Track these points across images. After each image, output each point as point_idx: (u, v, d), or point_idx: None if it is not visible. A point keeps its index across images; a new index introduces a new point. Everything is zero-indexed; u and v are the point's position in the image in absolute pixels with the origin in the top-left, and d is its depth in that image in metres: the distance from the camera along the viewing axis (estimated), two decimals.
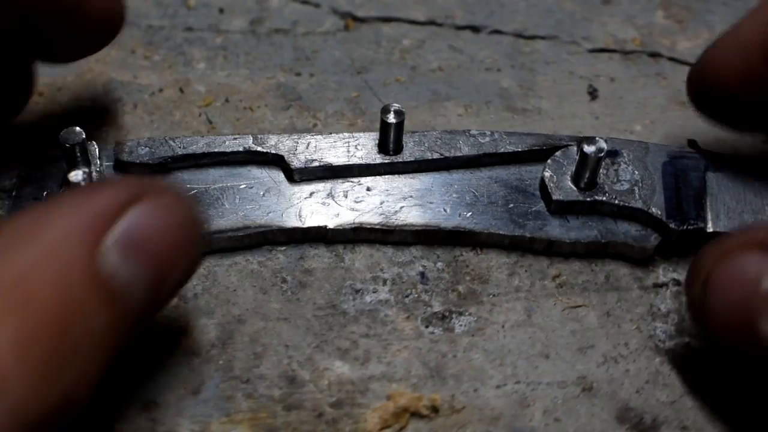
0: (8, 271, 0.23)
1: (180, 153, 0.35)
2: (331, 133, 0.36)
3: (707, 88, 0.34)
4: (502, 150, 0.36)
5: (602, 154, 0.33)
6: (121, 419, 0.30)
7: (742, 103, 0.33)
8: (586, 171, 0.34)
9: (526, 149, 0.36)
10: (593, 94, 0.42)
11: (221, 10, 0.45)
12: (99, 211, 0.25)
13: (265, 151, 0.35)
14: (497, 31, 0.45)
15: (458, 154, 0.36)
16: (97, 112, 0.39)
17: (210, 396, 0.30)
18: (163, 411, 0.30)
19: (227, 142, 0.35)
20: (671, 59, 0.43)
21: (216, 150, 0.35)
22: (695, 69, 0.35)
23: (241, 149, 0.35)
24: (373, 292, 0.34)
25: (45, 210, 0.25)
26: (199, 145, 0.35)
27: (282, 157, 0.35)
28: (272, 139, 0.36)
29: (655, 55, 0.43)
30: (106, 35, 0.34)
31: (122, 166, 0.35)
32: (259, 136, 0.36)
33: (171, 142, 0.35)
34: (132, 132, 0.39)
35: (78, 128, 0.33)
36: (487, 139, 0.36)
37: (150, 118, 0.39)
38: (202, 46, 0.43)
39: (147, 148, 0.35)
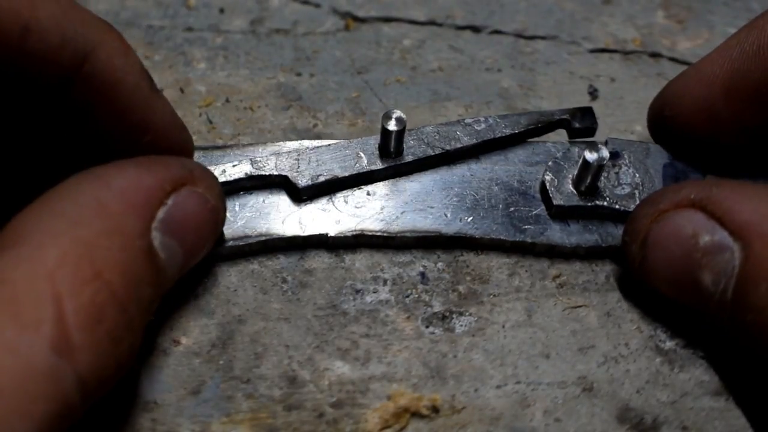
0: (77, 242, 0.24)
1: None
2: (329, 145, 0.35)
3: (666, 117, 0.35)
4: (499, 134, 0.36)
5: (604, 162, 0.33)
6: (121, 419, 0.30)
7: (698, 136, 0.34)
8: (588, 177, 0.34)
9: (522, 130, 0.36)
10: (593, 94, 0.42)
11: (221, 10, 0.45)
12: (152, 190, 0.27)
13: (267, 174, 0.34)
14: (498, 32, 0.45)
15: (458, 145, 0.36)
16: None
17: (210, 396, 0.30)
18: (163, 411, 0.30)
19: (227, 171, 0.34)
20: (672, 59, 0.43)
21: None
22: (657, 98, 0.36)
23: (243, 176, 0.34)
24: (374, 293, 0.34)
25: (105, 183, 0.26)
26: None
27: (286, 177, 0.34)
28: (271, 161, 0.35)
29: (655, 55, 0.43)
30: None
31: None
32: (258, 159, 0.35)
33: None
34: None
35: None
36: (483, 125, 0.36)
37: None
38: (202, 46, 0.43)
39: None
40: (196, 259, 0.30)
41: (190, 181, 0.29)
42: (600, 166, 0.33)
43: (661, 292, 0.31)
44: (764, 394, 0.30)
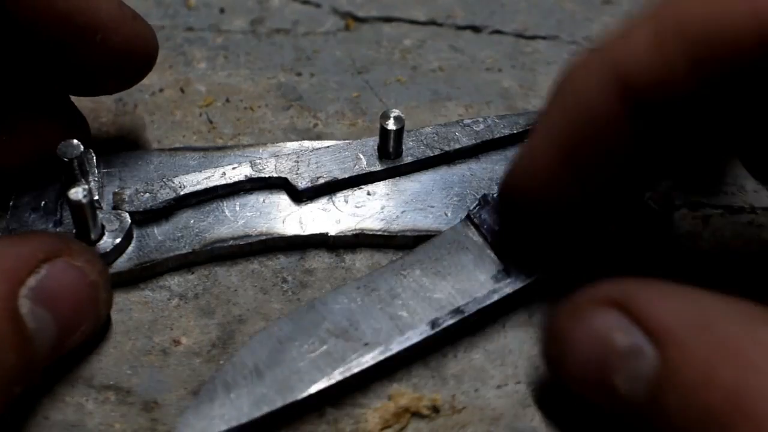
0: None
1: (182, 193, 0.34)
2: (329, 147, 0.36)
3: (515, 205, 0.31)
4: (498, 135, 0.36)
5: None
6: (121, 419, 0.30)
7: (549, 217, 0.30)
8: None
9: (521, 130, 0.36)
10: None
11: (222, 10, 0.45)
12: (22, 257, 0.27)
13: (266, 176, 0.35)
14: (498, 31, 0.45)
15: (458, 146, 0.36)
16: (98, 113, 0.39)
17: None
18: (163, 411, 0.30)
19: (227, 174, 0.34)
20: None
21: (217, 184, 0.34)
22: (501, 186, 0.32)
23: (243, 178, 0.34)
24: None
25: None
26: (200, 181, 0.34)
27: (286, 179, 0.35)
28: (271, 163, 0.35)
29: None
30: (131, 71, 0.33)
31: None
32: (258, 161, 0.35)
33: (171, 183, 0.34)
34: (132, 132, 0.39)
35: (76, 141, 0.32)
36: (481, 126, 0.36)
37: (150, 118, 0.39)
38: (202, 46, 0.43)
39: (148, 194, 0.33)
40: (74, 335, 0.29)
41: (67, 254, 0.28)
42: None
43: (576, 393, 0.28)
44: None
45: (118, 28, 0.31)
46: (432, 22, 0.45)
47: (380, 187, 0.36)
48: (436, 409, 0.30)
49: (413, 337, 0.30)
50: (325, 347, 0.30)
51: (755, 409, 0.23)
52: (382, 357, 0.30)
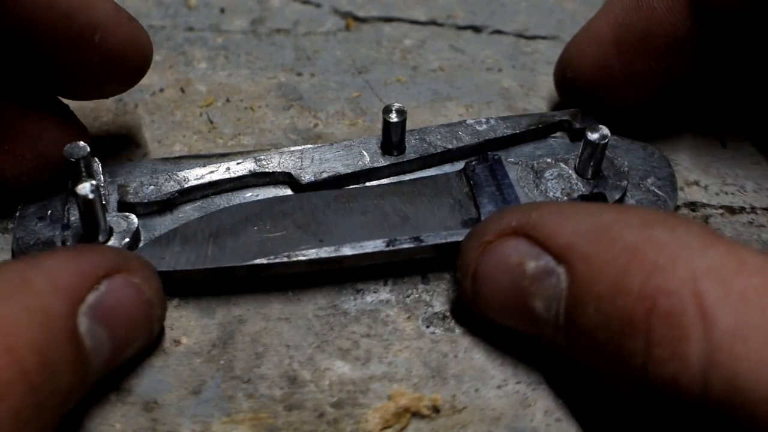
0: None
1: (186, 186, 0.34)
2: (332, 144, 0.36)
3: (568, 79, 0.38)
4: (500, 134, 0.37)
5: (606, 141, 0.33)
6: (121, 419, 0.30)
7: (599, 93, 0.36)
8: (591, 158, 0.33)
9: (524, 130, 0.37)
10: None
11: (222, 10, 0.45)
12: (83, 274, 0.27)
13: (271, 171, 0.35)
14: (498, 31, 0.45)
15: (461, 144, 0.36)
16: (98, 113, 0.39)
17: (211, 396, 0.30)
18: (164, 411, 0.30)
19: (231, 168, 0.34)
20: None
21: (222, 178, 0.34)
22: (558, 62, 0.38)
23: (247, 173, 0.34)
24: (374, 292, 0.33)
25: (35, 262, 0.26)
26: (204, 175, 0.34)
27: (290, 174, 0.35)
28: (275, 159, 0.35)
29: None
30: (128, 72, 0.33)
31: (128, 207, 0.33)
32: (261, 157, 0.35)
33: (175, 176, 0.34)
34: (132, 132, 0.39)
35: (82, 142, 0.32)
36: (485, 126, 0.37)
37: (151, 118, 0.39)
38: (203, 46, 0.43)
39: (152, 186, 0.33)
40: (125, 353, 0.29)
41: (126, 270, 0.28)
42: (603, 145, 0.33)
43: (499, 323, 0.30)
44: (606, 413, 0.30)
45: (115, 29, 0.31)
46: (432, 22, 0.45)
47: (384, 184, 0.36)
48: (436, 409, 0.30)
49: (366, 247, 0.32)
50: (283, 233, 0.32)
51: (668, 307, 0.24)
52: (329, 255, 0.32)
